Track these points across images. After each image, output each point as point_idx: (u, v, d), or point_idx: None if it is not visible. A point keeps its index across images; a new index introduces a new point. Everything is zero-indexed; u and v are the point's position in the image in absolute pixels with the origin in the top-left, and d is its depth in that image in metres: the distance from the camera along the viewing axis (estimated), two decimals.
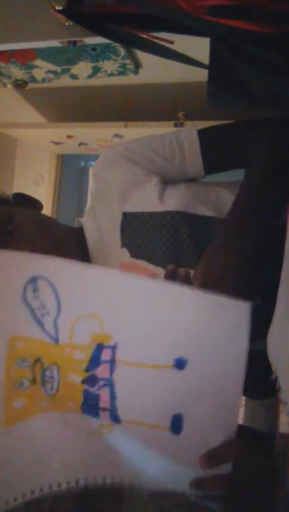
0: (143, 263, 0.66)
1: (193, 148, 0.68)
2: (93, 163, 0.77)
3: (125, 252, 0.68)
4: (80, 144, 1.66)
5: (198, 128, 0.69)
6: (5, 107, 1.50)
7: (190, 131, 0.68)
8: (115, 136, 1.49)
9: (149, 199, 0.68)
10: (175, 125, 1.29)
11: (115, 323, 0.49)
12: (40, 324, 0.50)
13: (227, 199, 0.64)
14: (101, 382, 0.49)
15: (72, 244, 0.68)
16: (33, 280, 0.49)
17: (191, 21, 0.53)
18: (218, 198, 0.68)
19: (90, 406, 0.50)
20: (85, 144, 1.66)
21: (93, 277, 0.51)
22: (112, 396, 0.49)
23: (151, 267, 0.66)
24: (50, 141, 1.67)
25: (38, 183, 1.91)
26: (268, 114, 0.66)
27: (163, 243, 0.65)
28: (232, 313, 0.48)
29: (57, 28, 0.71)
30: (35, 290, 0.49)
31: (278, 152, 0.61)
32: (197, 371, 0.48)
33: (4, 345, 0.50)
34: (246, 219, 0.57)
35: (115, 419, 0.49)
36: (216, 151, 0.69)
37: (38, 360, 0.51)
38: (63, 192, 2.04)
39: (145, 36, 0.64)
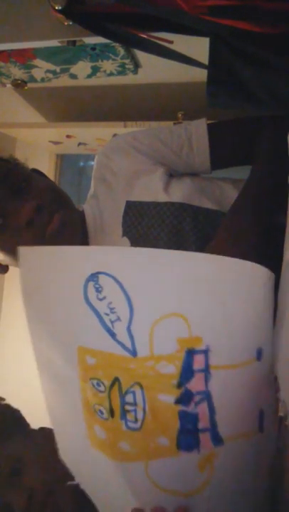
0: None
1: (201, 142, 0.68)
2: (92, 163, 0.77)
3: (126, 241, 0.67)
4: (80, 143, 1.65)
5: (208, 122, 0.69)
6: (4, 107, 1.50)
7: (200, 125, 0.69)
8: (114, 136, 1.48)
9: (153, 189, 0.68)
10: (174, 125, 1.29)
11: (203, 320, 0.40)
12: (111, 333, 0.39)
13: (232, 195, 0.64)
14: (197, 397, 0.39)
15: (77, 218, 0.69)
16: (94, 278, 0.39)
17: (191, 21, 0.53)
18: (222, 193, 0.68)
19: (188, 432, 0.39)
20: (85, 144, 1.66)
21: (168, 263, 0.41)
22: (212, 410, 0.40)
23: None
24: (49, 141, 1.66)
25: None
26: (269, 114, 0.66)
27: (165, 234, 0.65)
28: (272, 291, 0.43)
29: (56, 27, 0.70)
30: (98, 290, 0.39)
31: (284, 151, 0.62)
32: (268, 359, 0.42)
33: (73, 354, 0.40)
34: (248, 215, 0.58)
35: (217, 440, 0.40)
36: (225, 146, 0.70)
37: (114, 383, 0.40)
38: None
39: (145, 36, 0.64)
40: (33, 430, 0.75)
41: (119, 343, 0.39)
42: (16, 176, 0.64)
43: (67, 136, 1.56)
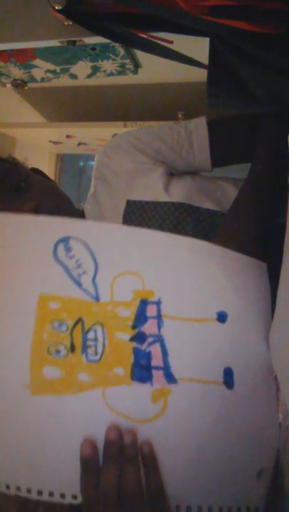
0: None
1: (201, 140, 0.68)
2: (92, 163, 0.77)
3: None
4: (79, 143, 1.65)
5: (208, 119, 0.69)
6: (4, 107, 1.50)
7: (199, 122, 0.68)
8: (114, 135, 1.48)
9: (154, 189, 0.68)
10: (174, 123, 1.29)
11: (156, 279, 0.49)
12: (78, 283, 0.47)
13: (233, 196, 0.64)
14: (150, 339, 0.47)
15: (75, 215, 0.69)
16: (65, 240, 0.48)
17: (191, 21, 0.53)
18: (223, 193, 0.68)
19: (142, 367, 0.46)
20: (84, 144, 1.66)
21: (128, 235, 0.51)
22: (164, 352, 0.47)
23: None
24: (49, 141, 1.66)
25: None
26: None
27: None
28: (255, 271, 0.52)
29: (56, 27, 0.71)
30: (67, 250, 0.48)
31: (284, 149, 0.62)
32: (237, 325, 0.49)
33: (32, 302, 0.47)
34: (247, 214, 0.58)
35: (170, 378, 0.46)
36: (225, 143, 0.69)
37: (78, 322, 0.46)
38: None
39: (145, 36, 0.64)
40: None
41: (84, 290, 0.47)
42: (14, 175, 0.64)
43: (67, 136, 1.56)
